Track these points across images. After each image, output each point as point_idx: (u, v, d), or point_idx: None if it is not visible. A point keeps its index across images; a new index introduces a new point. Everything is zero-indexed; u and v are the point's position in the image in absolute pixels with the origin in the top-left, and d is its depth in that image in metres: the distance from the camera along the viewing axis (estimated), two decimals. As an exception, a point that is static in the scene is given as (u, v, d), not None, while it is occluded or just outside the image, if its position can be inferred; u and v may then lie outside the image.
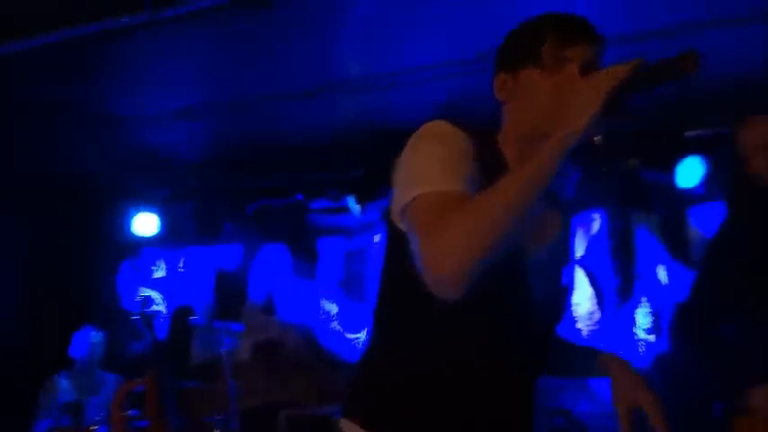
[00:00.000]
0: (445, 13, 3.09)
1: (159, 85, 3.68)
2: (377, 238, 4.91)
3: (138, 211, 4.85)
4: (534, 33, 1.35)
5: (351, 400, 1.34)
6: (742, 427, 1.78)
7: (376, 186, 4.74)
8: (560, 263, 1.38)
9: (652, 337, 4.18)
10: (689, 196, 4.10)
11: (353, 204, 4.62)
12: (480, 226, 1.09)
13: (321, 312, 4.89)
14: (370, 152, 4.52)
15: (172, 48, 3.25)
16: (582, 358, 1.45)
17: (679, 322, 2.02)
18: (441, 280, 1.09)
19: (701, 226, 4.07)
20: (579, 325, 4.42)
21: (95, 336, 4.15)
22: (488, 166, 1.22)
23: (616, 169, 4.13)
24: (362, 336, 4.81)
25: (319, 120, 4.12)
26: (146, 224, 4.87)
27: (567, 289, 1.40)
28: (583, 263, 4.47)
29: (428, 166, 1.22)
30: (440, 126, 1.28)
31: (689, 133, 3.93)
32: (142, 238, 4.94)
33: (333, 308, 4.91)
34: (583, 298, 4.43)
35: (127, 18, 2.89)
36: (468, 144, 1.25)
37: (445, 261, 1.08)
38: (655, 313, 4.21)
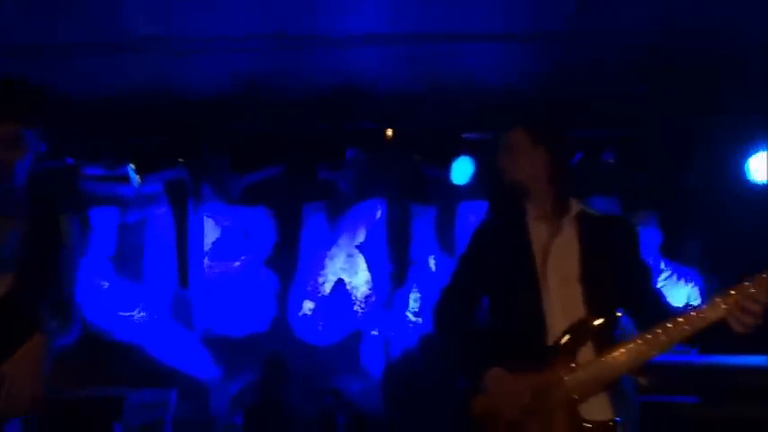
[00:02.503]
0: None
1: None
2: (158, 211, 4.66)
3: None
4: None
5: None
6: (477, 405, 1.96)
7: (161, 156, 4.47)
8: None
9: (420, 320, 4.50)
10: (461, 192, 4.47)
11: (133, 173, 4.30)
12: None
13: (92, 288, 4.50)
14: (157, 119, 4.26)
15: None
16: None
17: (435, 306, 2.19)
18: None
19: (469, 220, 4.47)
20: (356, 307, 4.61)
21: None
22: None
23: (399, 163, 4.37)
24: (136, 314, 4.54)
25: (102, 77, 3.78)
26: None
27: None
28: (362, 249, 4.67)
29: None
30: None
31: (466, 135, 4.27)
32: None
33: (104, 284, 4.55)
34: (360, 282, 4.63)
35: None
36: None
37: None
38: (423, 298, 4.54)
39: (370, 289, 4.62)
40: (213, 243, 4.71)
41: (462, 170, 4.28)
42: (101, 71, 3.71)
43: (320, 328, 4.59)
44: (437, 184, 4.47)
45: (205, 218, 4.71)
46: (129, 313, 4.55)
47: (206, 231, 4.71)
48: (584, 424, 1.86)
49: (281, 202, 4.69)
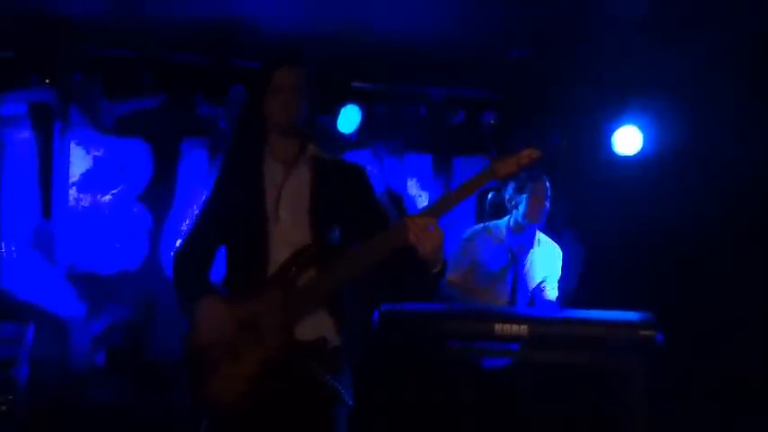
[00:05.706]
0: None
1: None
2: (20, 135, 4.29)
3: None
4: None
5: None
6: (191, 339, 1.98)
7: (24, 74, 4.09)
8: None
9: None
10: (347, 141, 4.42)
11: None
12: None
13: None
14: (22, 33, 3.88)
15: None
16: None
17: (175, 252, 2.19)
18: None
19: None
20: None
21: None
22: None
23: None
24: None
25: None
26: None
27: None
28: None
29: None
30: None
31: (356, 84, 4.22)
32: None
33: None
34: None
35: None
36: None
37: None
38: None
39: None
40: (82, 174, 4.41)
41: (350, 118, 4.24)
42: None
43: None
44: (324, 131, 4.40)
45: (73, 145, 4.38)
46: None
47: (74, 160, 4.39)
48: (299, 343, 1.93)
49: (158, 136, 4.44)
